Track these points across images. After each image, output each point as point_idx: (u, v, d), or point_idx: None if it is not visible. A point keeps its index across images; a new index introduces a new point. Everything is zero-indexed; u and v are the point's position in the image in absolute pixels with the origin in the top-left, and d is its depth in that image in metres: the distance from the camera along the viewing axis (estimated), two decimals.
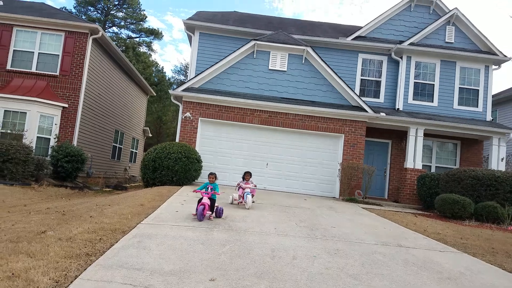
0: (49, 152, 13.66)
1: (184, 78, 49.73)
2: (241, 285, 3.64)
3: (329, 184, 13.71)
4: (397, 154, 15.21)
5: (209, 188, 6.71)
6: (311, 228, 6.73)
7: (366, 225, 7.67)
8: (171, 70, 72.93)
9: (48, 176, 12.54)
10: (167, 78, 50.35)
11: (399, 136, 15.08)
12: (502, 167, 13.70)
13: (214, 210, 6.58)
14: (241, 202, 8.10)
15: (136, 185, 21.95)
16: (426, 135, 14.44)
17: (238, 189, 8.26)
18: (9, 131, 12.76)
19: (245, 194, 7.94)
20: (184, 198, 8.71)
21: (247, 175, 8.24)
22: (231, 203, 8.24)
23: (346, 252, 5.25)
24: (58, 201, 9.17)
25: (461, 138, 15.12)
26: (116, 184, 17.98)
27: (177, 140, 13.53)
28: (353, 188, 13.19)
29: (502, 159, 13.73)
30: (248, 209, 7.76)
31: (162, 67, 61.51)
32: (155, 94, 29.56)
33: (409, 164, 13.88)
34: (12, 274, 3.34)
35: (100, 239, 4.71)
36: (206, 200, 6.43)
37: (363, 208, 10.72)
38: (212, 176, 7.00)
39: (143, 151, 27.21)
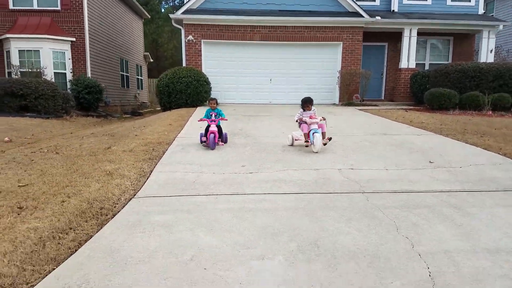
0: (68, 86, 14.75)
1: None
2: (262, 168, 5.14)
3: (330, 92, 14.86)
4: (393, 56, 16.01)
5: (213, 115, 6.54)
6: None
7: (359, 123, 9.08)
8: None
9: (73, 108, 13.83)
10: None
11: (395, 38, 15.70)
12: (491, 58, 14.57)
13: (222, 136, 6.56)
14: (307, 143, 6.02)
15: (148, 110, 23.35)
16: (420, 33, 15.05)
17: (300, 125, 6.23)
18: (28, 70, 13.73)
19: (311, 133, 5.92)
20: (200, 118, 10.08)
21: (307, 105, 6.18)
22: (291, 145, 6.45)
23: (340, 143, 6.70)
24: (95, 128, 10.61)
25: (454, 34, 15.72)
26: (132, 111, 19.33)
27: (183, 64, 14.41)
28: (352, 93, 14.35)
29: (491, 50, 14.54)
30: (316, 152, 5.84)
31: None
32: (149, 17, 29.21)
33: (403, 64, 14.80)
34: (108, 172, 4.84)
35: (153, 149, 6.17)
36: (214, 128, 6.29)
37: (359, 110, 12.05)
38: (213, 101, 6.70)
39: (147, 77, 28.03)
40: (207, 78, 13.37)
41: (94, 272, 2.64)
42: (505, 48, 18.33)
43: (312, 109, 6.18)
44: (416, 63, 15.01)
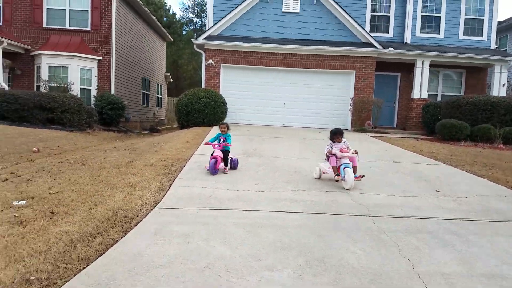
0: (93, 102, 15.45)
1: (192, 16, 49.50)
2: (274, 187, 5.42)
3: (342, 118, 15.18)
4: (405, 86, 16.32)
5: (221, 140, 6.32)
6: (324, 153, 8.41)
7: (370, 149, 9.31)
8: (179, 8, 71.60)
9: (96, 122, 14.45)
10: (177, 19, 50.21)
11: (408, 69, 16.06)
12: (503, 92, 14.75)
13: (229, 162, 6.26)
14: (337, 177, 5.52)
15: (166, 127, 23.98)
16: (433, 65, 15.38)
17: (328, 159, 5.77)
18: (57, 85, 14.48)
19: (342, 167, 5.42)
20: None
21: (337, 136, 5.71)
22: (318, 178, 5.93)
23: None
24: (116, 142, 11.09)
25: (466, 67, 16.00)
26: (151, 127, 19.94)
27: (202, 86, 15.00)
28: (364, 120, 14.64)
29: (504, 85, 14.74)
30: (348, 189, 5.32)
31: (170, 5, 60.68)
32: (172, 39, 30.37)
33: (415, 94, 15.08)
34: (131, 184, 5.19)
35: (172, 164, 6.53)
36: (218, 153, 6.04)
37: (371, 136, 12.29)
38: (224, 126, 6.42)
39: (167, 96, 28.89)
40: (224, 99, 13.86)
41: (120, 272, 2.93)
42: None
43: (343, 141, 5.68)
44: (428, 94, 15.28)
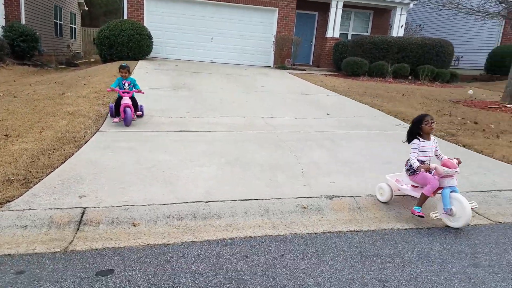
0: (1, 33, 14.27)
1: None
2: (203, 114, 6.49)
3: (265, 55, 16.22)
4: (322, 25, 17.68)
5: (126, 85, 5.80)
6: (247, 87, 9.56)
7: (286, 84, 10.69)
8: None
9: (8, 56, 13.57)
10: None
11: (325, 8, 17.29)
12: (401, 33, 16.89)
13: (138, 108, 5.89)
14: (448, 215, 3.26)
15: (83, 61, 22.80)
16: (346, 6, 16.80)
17: (414, 174, 3.45)
18: None
19: (446, 192, 3.26)
20: (145, 71, 10.89)
21: (425, 124, 3.46)
22: (386, 202, 3.62)
23: (267, 98, 8.24)
24: (37, 76, 10.92)
25: (374, 8, 17.74)
26: (67, 61, 18.98)
27: (125, 17, 14.67)
28: (284, 57, 15.87)
29: (402, 26, 16.85)
30: (458, 228, 3.25)
31: None
32: None
33: (329, 33, 16.57)
34: (70, 112, 5.84)
35: (104, 96, 7.15)
36: (128, 101, 5.56)
37: (289, 73, 13.67)
38: (125, 70, 5.79)
39: (81, 26, 26.88)
40: (149, 32, 13.89)
41: (84, 172, 3.87)
42: (415, 24, 21.03)
43: (432, 139, 3.55)
44: (340, 33, 16.87)
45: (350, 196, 3.71)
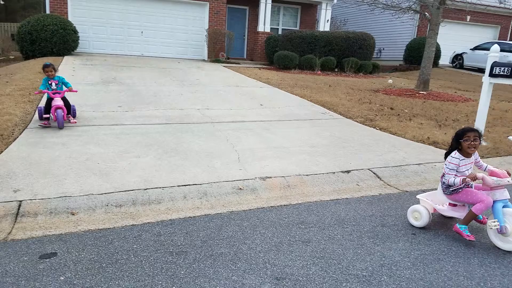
0: None
1: None
2: (137, 108, 6.50)
3: (199, 49, 16.24)
4: (253, 19, 18.11)
5: (54, 84, 5.39)
6: (181, 81, 9.61)
7: (220, 77, 10.90)
8: None
9: None
10: None
11: (254, 3, 17.73)
12: (327, 27, 17.95)
13: (71, 110, 5.51)
14: (498, 227, 2.77)
15: (2, 58, 20.85)
16: (275, 1, 17.39)
17: (457, 189, 3.02)
18: None
19: (498, 207, 2.84)
20: (71, 67, 10.41)
21: (470, 137, 2.97)
22: (423, 227, 3.14)
23: (202, 91, 8.40)
24: None
25: (301, 3, 18.58)
26: None
27: (47, 11, 13.79)
28: (218, 51, 16.03)
29: (328, 20, 17.91)
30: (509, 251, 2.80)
31: None
32: None
33: (260, 28, 17.06)
34: None
35: (29, 93, 6.82)
36: (59, 102, 5.19)
37: (223, 66, 13.88)
38: (50, 68, 5.36)
39: None
40: (75, 27, 13.22)
41: (16, 167, 3.78)
42: (339, 19, 22.41)
43: (475, 154, 3.10)
44: (271, 28, 17.44)
45: (281, 177, 4.08)
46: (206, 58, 16.08)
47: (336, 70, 14.83)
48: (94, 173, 3.77)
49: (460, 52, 19.06)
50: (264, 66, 15.32)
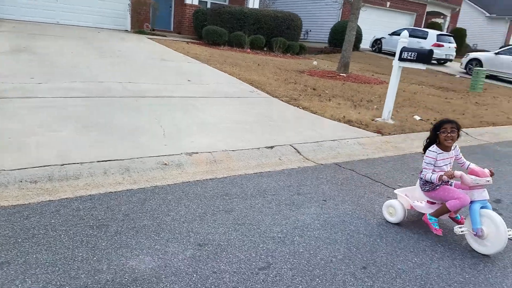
0: None
1: None
2: (52, 80, 6.03)
3: (122, 18, 15.24)
4: None
5: None
6: (102, 52, 9.05)
7: (145, 50, 10.46)
8: None
9: None
10: None
11: None
12: (256, 4, 17.98)
13: None
14: (460, 230, 2.78)
15: None
16: None
17: (435, 186, 2.92)
18: None
19: (475, 207, 2.75)
20: None
21: (448, 128, 2.89)
22: (398, 223, 3.09)
23: (125, 64, 8.03)
24: None
25: None
26: None
27: None
28: (142, 22, 15.23)
29: None
30: (487, 255, 2.73)
31: None
32: None
33: (188, 0, 16.55)
34: None
35: None
36: None
37: (148, 38, 13.28)
38: None
39: None
40: None
41: None
42: None
43: (454, 146, 3.01)
44: (199, 1, 17.00)
45: (208, 152, 4.17)
46: (129, 29, 15.22)
47: (265, 49, 15.07)
48: (5, 148, 3.50)
49: (379, 37, 20.53)
50: (192, 41, 14.98)
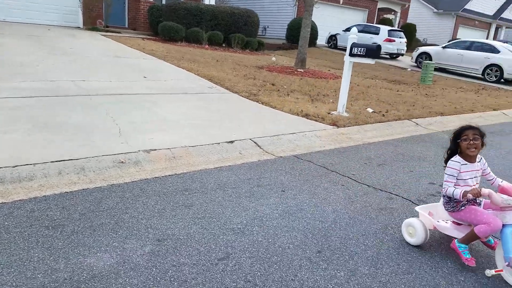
0: None
1: None
2: (1, 79, 5.73)
3: (73, 15, 14.60)
4: None
5: None
6: (53, 49, 8.67)
7: (99, 47, 10.13)
8: None
9: None
10: None
11: None
12: (213, 1, 17.89)
13: None
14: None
15: None
16: None
17: (459, 205, 2.55)
18: None
19: (506, 232, 2.31)
20: None
21: (471, 135, 2.53)
22: (419, 245, 2.72)
23: (77, 62, 7.74)
24: None
25: None
26: None
27: None
28: (95, 18, 14.70)
29: None
30: None
31: None
32: None
33: None
34: None
35: None
36: None
37: (102, 35, 12.84)
38: None
39: None
40: None
41: None
42: None
43: (478, 159, 2.65)
44: None
45: (167, 149, 4.16)
46: (81, 26, 14.65)
47: (223, 45, 15.06)
48: None
49: (334, 33, 21.13)
50: (148, 37, 14.67)
